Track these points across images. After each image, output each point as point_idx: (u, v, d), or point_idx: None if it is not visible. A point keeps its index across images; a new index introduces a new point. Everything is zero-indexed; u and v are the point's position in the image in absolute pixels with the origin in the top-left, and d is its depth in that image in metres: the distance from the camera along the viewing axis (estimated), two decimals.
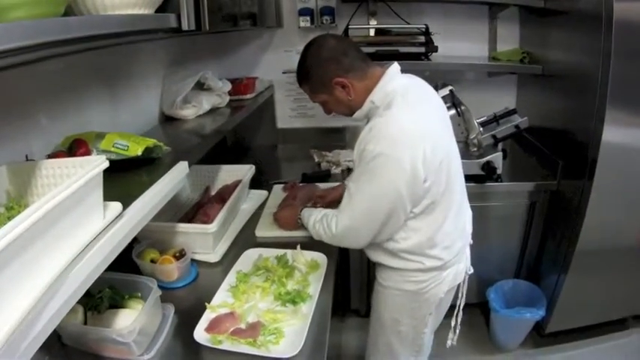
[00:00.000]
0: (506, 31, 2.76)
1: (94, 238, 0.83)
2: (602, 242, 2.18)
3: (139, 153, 1.21)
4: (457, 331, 1.77)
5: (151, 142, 1.26)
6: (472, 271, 1.65)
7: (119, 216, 0.92)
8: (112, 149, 1.21)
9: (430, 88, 1.53)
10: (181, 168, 1.25)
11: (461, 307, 1.72)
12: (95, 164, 0.84)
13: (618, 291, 2.36)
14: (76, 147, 1.18)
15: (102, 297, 1.21)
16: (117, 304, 1.23)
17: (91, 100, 1.46)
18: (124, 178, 1.17)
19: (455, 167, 1.46)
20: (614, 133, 1.96)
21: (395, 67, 1.44)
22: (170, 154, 1.35)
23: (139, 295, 1.27)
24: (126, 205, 0.96)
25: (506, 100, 2.77)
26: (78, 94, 1.39)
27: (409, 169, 1.28)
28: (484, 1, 2.55)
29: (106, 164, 0.87)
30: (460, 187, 1.52)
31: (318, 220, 1.56)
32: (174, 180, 1.18)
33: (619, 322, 2.52)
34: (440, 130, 1.43)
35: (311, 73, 1.45)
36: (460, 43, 2.73)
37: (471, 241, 1.65)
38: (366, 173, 1.34)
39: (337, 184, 2.07)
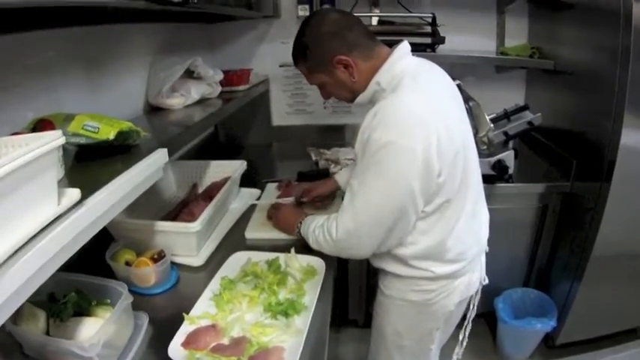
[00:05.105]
0: (515, 25, 2.62)
1: (44, 228, 0.70)
2: (619, 248, 2.05)
3: (111, 137, 1.05)
4: (464, 344, 1.61)
5: (125, 125, 1.10)
6: (487, 281, 1.48)
7: (78, 204, 0.78)
8: (82, 132, 1.05)
9: (444, 73, 1.35)
10: (159, 156, 1.09)
11: (470, 320, 1.55)
12: (48, 139, 0.71)
13: (633, 299, 2.24)
14: (40, 128, 1.04)
15: (66, 303, 1.05)
16: (83, 311, 1.07)
17: (67, 83, 1.33)
18: (94, 166, 1.04)
19: (471, 160, 1.28)
20: (633, 136, 1.83)
21: (405, 45, 1.27)
22: (151, 142, 1.19)
23: (108, 301, 1.10)
24: (90, 193, 0.82)
25: (514, 97, 2.63)
26: (52, 75, 1.26)
27: (422, 159, 1.10)
28: None
29: (62, 140, 0.74)
30: (477, 184, 1.34)
31: (319, 226, 1.35)
32: (149, 168, 1.03)
33: (629, 332, 2.41)
34: (456, 116, 1.24)
35: (310, 49, 1.26)
36: (466, 37, 2.58)
37: (487, 248, 1.47)
38: (372, 166, 1.14)
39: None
